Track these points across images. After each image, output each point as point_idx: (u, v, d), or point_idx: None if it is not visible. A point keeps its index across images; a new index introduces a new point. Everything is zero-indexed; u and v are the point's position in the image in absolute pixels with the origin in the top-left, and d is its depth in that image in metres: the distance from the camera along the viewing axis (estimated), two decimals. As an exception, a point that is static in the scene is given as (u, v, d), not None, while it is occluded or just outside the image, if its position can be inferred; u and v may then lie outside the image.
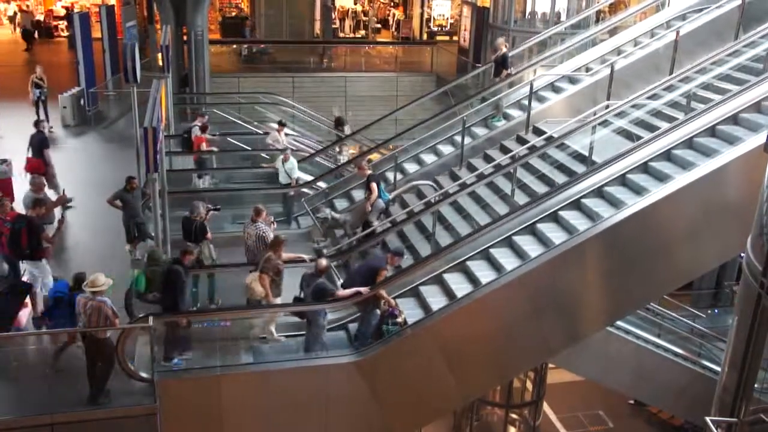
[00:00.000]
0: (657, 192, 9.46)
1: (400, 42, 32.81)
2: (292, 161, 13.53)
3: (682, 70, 11.48)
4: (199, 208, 10.47)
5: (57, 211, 12.38)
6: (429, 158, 14.22)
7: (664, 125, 10.79)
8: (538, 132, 12.90)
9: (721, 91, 11.04)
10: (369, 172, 12.41)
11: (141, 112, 10.93)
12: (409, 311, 9.64)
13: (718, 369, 11.80)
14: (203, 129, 15.04)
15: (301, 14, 30.89)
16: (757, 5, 12.48)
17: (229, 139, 16.40)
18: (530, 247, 9.82)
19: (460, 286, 9.83)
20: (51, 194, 12.72)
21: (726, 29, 12.70)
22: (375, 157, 15.31)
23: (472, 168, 12.92)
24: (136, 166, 12.11)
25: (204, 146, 14.87)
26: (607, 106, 11.67)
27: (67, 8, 33.80)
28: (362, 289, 9.13)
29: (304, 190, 13.83)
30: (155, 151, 9.26)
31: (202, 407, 8.78)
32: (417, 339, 9.24)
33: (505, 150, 13.00)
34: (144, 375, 8.40)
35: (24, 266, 9.66)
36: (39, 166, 13.21)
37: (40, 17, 33.51)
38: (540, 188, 11.07)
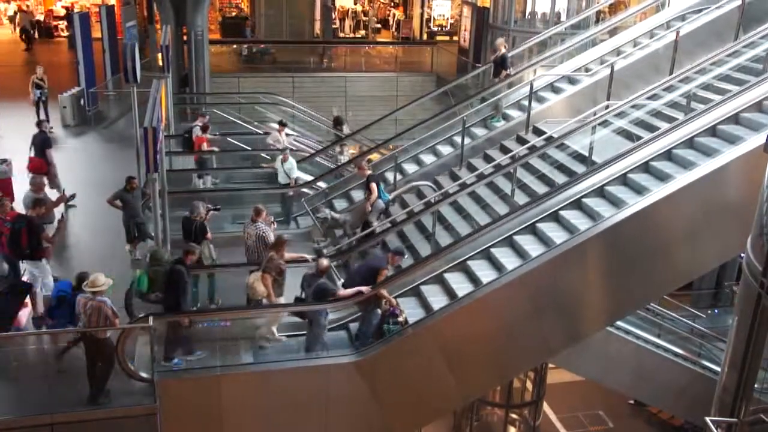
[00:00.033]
0: (657, 192, 9.46)
1: (400, 42, 32.82)
2: (291, 161, 13.52)
3: (682, 71, 11.48)
4: (199, 208, 10.47)
5: (57, 211, 12.39)
6: (429, 158, 14.22)
7: (664, 125, 10.79)
8: (538, 132, 12.90)
9: (721, 92, 11.05)
10: (369, 172, 12.41)
11: (141, 112, 10.93)
12: (410, 311, 9.64)
13: (718, 369, 11.79)
14: (204, 129, 15.04)
15: (301, 14, 30.90)
16: (757, 5, 12.48)
17: (229, 139, 16.40)
18: (531, 246, 9.82)
19: (460, 285, 9.83)
20: (53, 194, 12.74)
21: (726, 30, 12.70)
22: (375, 157, 15.32)
23: (472, 168, 12.92)
24: (136, 166, 12.12)
25: (205, 146, 14.87)
26: (607, 107, 11.68)
27: (67, 8, 33.79)
28: (364, 289, 9.14)
29: (304, 190, 13.84)
30: (155, 151, 9.26)
31: (202, 407, 8.78)
32: (417, 339, 9.24)
33: (505, 150, 13.00)
34: (144, 375, 8.40)
35: (24, 266, 9.66)
36: (41, 166, 13.23)
37: (41, 17, 33.49)
38: (540, 188, 11.07)
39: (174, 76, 17.98)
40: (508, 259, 9.85)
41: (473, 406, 15.13)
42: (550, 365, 14.81)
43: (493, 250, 10.17)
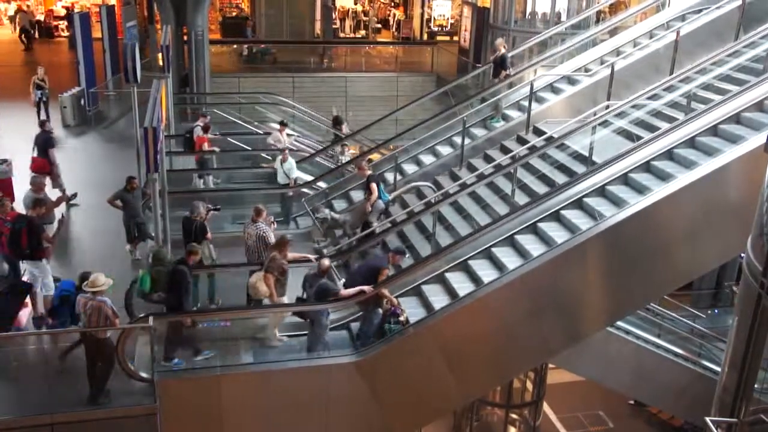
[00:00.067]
0: (657, 192, 9.46)
1: (400, 42, 32.80)
2: (291, 161, 13.52)
3: (682, 71, 11.49)
4: (199, 208, 10.47)
5: (58, 211, 12.39)
6: (429, 159, 14.22)
7: (664, 125, 10.79)
8: (538, 132, 12.90)
9: (721, 92, 11.05)
10: (369, 172, 12.41)
11: (141, 112, 10.94)
12: (411, 310, 9.64)
13: (718, 369, 11.78)
14: (205, 129, 15.03)
15: (301, 14, 30.90)
16: (757, 5, 12.48)
17: (229, 139, 16.40)
18: (531, 246, 9.81)
19: (461, 285, 9.83)
20: (54, 193, 12.74)
21: (726, 30, 12.70)
22: (375, 157, 15.32)
23: (472, 168, 12.92)
24: (136, 166, 12.13)
25: (206, 146, 14.87)
26: (608, 107, 11.68)
27: (67, 8, 33.79)
28: (365, 288, 9.14)
29: (304, 190, 13.84)
30: (155, 151, 9.26)
31: (202, 407, 8.78)
32: (418, 338, 9.24)
33: (505, 150, 13.00)
34: (144, 375, 8.40)
35: (24, 266, 9.66)
36: (44, 166, 13.26)
37: (41, 17, 33.49)
38: (540, 188, 11.07)
39: (174, 76, 17.98)
40: (508, 259, 9.85)
41: (473, 406, 15.12)
42: (550, 365, 14.80)
43: (493, 249, 10.17)
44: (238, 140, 16.57)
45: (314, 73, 25.74)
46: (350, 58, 28.69)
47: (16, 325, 9.03)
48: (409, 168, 14.23)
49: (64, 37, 31.50)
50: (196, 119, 16.04)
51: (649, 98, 11.50)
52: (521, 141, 13.01)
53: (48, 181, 13.13)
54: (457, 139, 13.60)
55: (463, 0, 28.44)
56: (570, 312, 9.76)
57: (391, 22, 36.80)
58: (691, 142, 10.21)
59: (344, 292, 9.23)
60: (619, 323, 12.87)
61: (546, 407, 16.06)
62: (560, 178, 10.95)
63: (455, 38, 30.95)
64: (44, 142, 13.58)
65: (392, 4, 38.66)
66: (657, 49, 13.61)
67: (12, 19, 33.15)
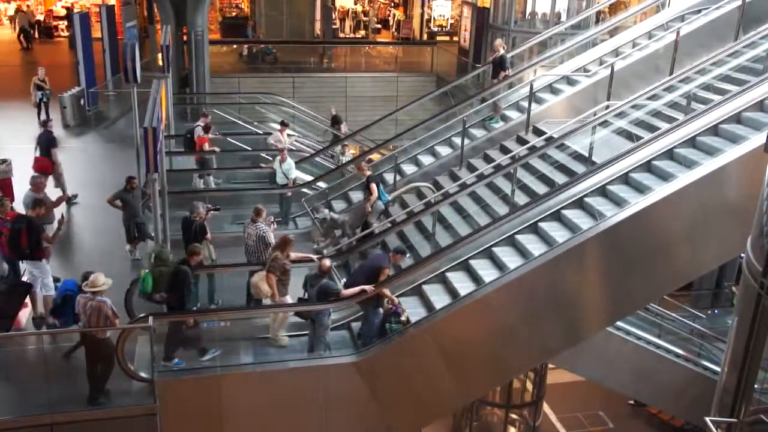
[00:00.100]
0: (657, 192, 9.45)
1: (400, 42, 32.80)
2: (290, 162, 13.50)
3: (682, 71, 11.48)
4: (199, 209, 10.47)
5: (57, 211, 12.38)
6: (429, 159, 14.21)
7: (664, 125, 10.79)
8: (538, 132, 12.90)
9: (721, 92, 11.04)
10: (368, 173, 12.42)
11: (141, 112, 10.93)
12: (411, 310, 9.64)
13: (718, 369, 11.80)
14: (206, 129, 15.02)
15: (301, 14, 30.93)
16: (757, 5, 12.48)
17: (229, 139, 16.41)
18: (531, 246, 9.79)
19: (462, 284, 9.83)
20: (56, 193, 12.74)
21: (726, 30, 12.70)
22: (376, 157, 15.33)
23: (472, 168, 12.92)
24: (136, 166, 12.13)
25: (206, 146, 14.87)
26: (607, 107, 11.68)
27: (67, 8, 33.78)
28: (367, 287, 9.15)
29: (304, 190, 13.84)
30: (155, 151, 9.26)
31: (202, 407, 8.78)
32: (418, 338, 9.24)
33: (505, 150, 13.00)
34: (144, 375, 8.40)
35: (24, 266, 9.66)
36: (47, 166, 13.26)
37: (41, 17, 33.48)
38: (540, 188, 11.07)
39: (174, 76, 17.99)
40: (508, 258, 9.84)
41: (473, 407, 15.13)
42: (550, 365, 14.81)
43: (494, 249, 10.16)
44: (237, 140, 16.57)
45: (314, 73, 25.76)
46: (350, 59, 28.71)
47: (16, 325, 9.03)
48: (409, 168, 14.23)
49: (64, 37, 31.50)
50: (195, 119, 16.04)
51: (649, 98, 11.50)
52: (521, 141, 13.01)
53: (50, 180, 13.17)
54: (457, 140, 13.60)
55: (463, 0, 28.45)
56: (570, 312, 9.75)
57: (391, 23, 36.81)
58: (691, 142, 10.20)
59: (345, 291, 9.24)
60: (620, 323, 12.87)
61: (546, 407, 16.06)
62: (560, 178, 10.94)
63: (455, 38, 30.96)
64: (47, 142, 13.60)
65: (392, 4, 38.66)
66: (657, 49, 13.61)
67: (12, 19, 33.14)
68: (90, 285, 8.13)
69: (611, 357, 13.19)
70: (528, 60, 16.49)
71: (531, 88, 13.22)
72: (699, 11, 14.02)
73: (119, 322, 8.32)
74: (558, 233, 9.77)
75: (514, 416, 15.47)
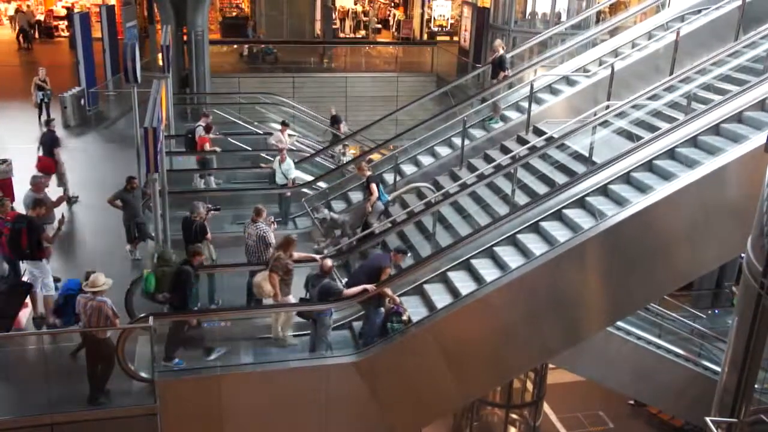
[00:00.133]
0: (657, 192, 9.45)
1: (400, 42, 32.82)
2: (289, 162, 13.50)
3: (682, 71, 11.48)
4: (199, 208, 10.47)
5: (57, 211, 12.38)
6: (429, 159, 14.21)
7: (664, 125, 10.79)
8: (538, 132, 12.90)
9: (721, 92, 11.04)
10: (368, 173, 12.42)
11: (141, 112, 10.94)
12: (413, 309, 9.65)
13: (718, 369, 11.81)
14: (207, 129, 15.02)
15: (301, 14, 30.94)
16: (757, 5, 12.48)
17: (229, 139, 16.41)
18: (532, 246, 9.80)
19: (463, 284, 9.83)
20: (57, 193, 12.75)
21: (726, 30, 12.70)
22: (376, 157, 15.33)
23: (472, 168, 12.92)
24: (136, 166, 12.13)
25: (207, 146, 14.87)
26: (608, 107, 11.68)
27: (67, 8, 33.79)
28: (368, 287, 9.15)
29: (304, 190, 13.84)
30: (155, 151, 9.27)
31: (202, 407, 8.78)
32: (418, 338, 9.24)
33: (505, 150, 13.00)
34: (144, 375, 8.40)
35: (24, 266, 9.66)
36: (50, 165, 13.30)
37: (41, 17, 33.49)
38: (540, 188, 11.07)
39: (174, 76, 17.99)
40: (510, 258, 9.84)
41: (473, 407, 15.13)
42: (550, 365, 14.81)
43: (495, 248, 10.16)
44: (238, 140, 16.57)
45: (314, 73, 25.77)
46: (350, 59, 28.72)
47: (16, 325, 9.03)
48: (409, 168, 14.23)
49: (64, 37, 31.50)
50: (196, 119, 16.03)
51: (649, 98, 11.50)
52: (521, 141, 13.01)
53: (53, 180, 13.22)
54: (457, 140, 13.60)
55: (463, 0, 28.45)
56: (570, 312, 9.75)
57: (391, 23, 36.81)
58: (692, 142, 10.20)
59: (347, 291, 9.24)
60: (620, 323, 12.87)
61: (546, 407, 16.06)
62: (560, 178, 10.94)
63: (455, 38, 30.96)
64: (50, 142, 13.62)
65: (392, 4, 38.66)
66: (657, 49, 13.61)
67: (12, 19, 33.14)
68: (90, 285, 8.13)
69: (611, 357, 13.20)
70: (528, 60, 16.49)
71: (531, 88, 13.22)
72: (699, 11, 14.02)
73: (119, 322, 8.32)
74: (558, 233, 9.77)
75: (514, 416, 15.47)
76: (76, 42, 20.25)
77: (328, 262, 9.52)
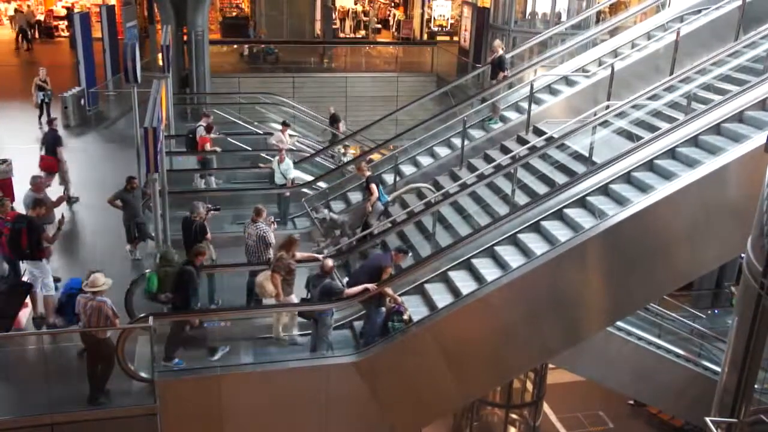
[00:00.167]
0: (657, 192, 9.45)
1: (400, 42, 32.84)
2: (288, 162, 13.49)
3: (682, 71, 11.48)
4: (199, 209, 10.47)
5: (57, 211, 12.39)
6: (429, 159, 14.21)
7: (664, 125, 10.79)
8: (538, 132, 12.90)
9: (721, 92, 11.04)
10: (368, 173, 12.42)
11: (141, 112, 10.93)
12: (413, 309, 9.65)
13: (718, 369, 11.80)
14: (208, 129, 15.02)
15: (301, 14, 30.95)
16: (757, 5, 12.48)
17: (229, 139, 16.41)
18: (533, 245, 9.80)
19: (464, 283, 9.84)
20: (57, 193, 12.76)
21: (726, 30, 12.70)
22: (376, 157, 15.33)
23: (472, 168, 12.92)
24: (136, 166, 12.13)
25: (208, 146, 14.87)
26: (608, 107, 11.68)
27: (67, 8, 33.79)
28: (370, 286, 9.16)
29: (304, 190, 13.83)
30: (155, 151, 9.27)
31: (202, 407, 8.78)
32: (419, 338, 9.24)
33: (505, 150, 13.00)
34: (144, 375, 8.40)
35: (24, 266, 9.66)
36: (53, 164, 13.33)
37: (41, 17, 33.49)
38: (540, 188, 11.07)
39: (174, 76, 17.99)
40: (510, 257, 9.84)
41: (473, 407, 15.13)
42: (550, 365, 14.81)
43: (495, 248, 10.16)
44: (238, 140, 16.57)
45: (314, 73, 25.79)
46: (350, 59, 28.73)
47: (16, 326, 9.02)
48: (410, 168, 14.22)
49: (64, 37, 31.49)
50: (196, 119, 16.03)
51: (649, 98, 11.50)
52: (521, 141, 13.01)
53: (56, 179, 13.24)
54: (456, 140, 13.60)
55: (463, 0, 28.45)
56: (570, 312, 9.75)
57: (391, 23, 36.82)
58: (693, 141, 10.20)
59: (348, 290, 9.25)
60: (620, 323, 12.87)
61: (546, 407, 16.06)
62: (560, 178, 10.94)
63: (455, 38, 30.96)
64: (53, 141, 13.65)
65: (392, 4, 38.67)
66: (657, 49, 13.61)
67: (12, 19, 33.13)
68: (90, 285, 8.13)
69: (611, 357, 13.19)
70: (528, 60, 16.49)
71: (531, 88, 13.22)
72: (699, 11, 14.02)
73: (119, 322, 8.32)
74: (559, 232, 9.78)
75: (514, 416, 15.47)
76: (76, 42, 20.25)
77: (329, 262, 9.53)
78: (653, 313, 14.17)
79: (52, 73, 18.73)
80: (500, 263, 9.92)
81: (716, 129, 10.17)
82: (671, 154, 10.19)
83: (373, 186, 11.92)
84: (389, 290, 9.39)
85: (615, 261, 9.59)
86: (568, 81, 14.37)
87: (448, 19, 35.29)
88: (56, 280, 9.84)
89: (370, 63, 27.87)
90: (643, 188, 9.76)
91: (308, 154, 15.43)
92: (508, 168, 11.54)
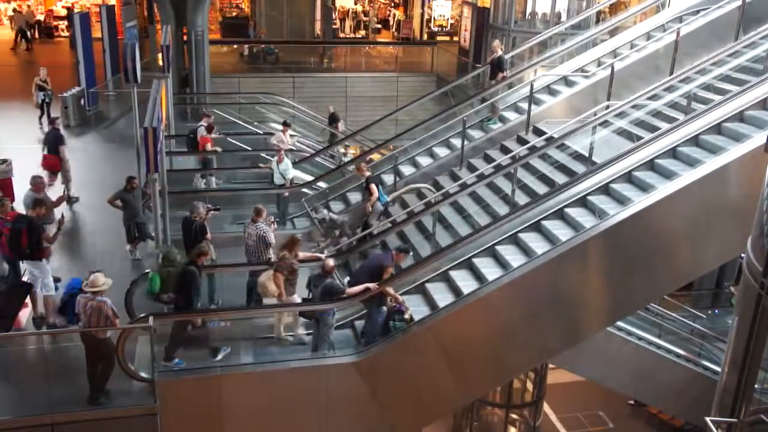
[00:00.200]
0: (657, 192, 9.45)
1: (400, 42, 32.83)
2: (287, 162, 13.49)
3: (682, 71, 11.49)
4: (199, 208, 10.47)
5: (57, 211, 12.39)
6: (429, 159, 14.21)
7: (664, 125, 10.79)
8: (538, 132, 12.90)
9: (721, 92, 11.04)
10: (368, 173, 12.42)
11: (141, 112, 10.93)
12: (414, 308, 9.65)
13: (718, 369, 11.80)
14: (209, 129, 15.02)
15: (301, 14, 30.95)
16: (757, 5, 12.48)
17: (229, 139, 16.42)
18: (534, 244, 9.81)
19: (465, 283, 9.84)
20: (58, 193, 12.76)
21: (726, 30, 12.70)
22: (376, 157, 15.33)
23: (472, 168, 12.92)
24: (136, 166, 12.13)
25: (209, 146, 14.87)
26: (608, 107, 11.68)
27: (67, 8, 33.78)
28: (371, 285, 9.17)
29: (304, 190, 13.84)
30: (155, 151, 9.27)
31: (202, 407, 8.78)
32: (419, 337, 9.24)
33: (505, 150, 13.00)
34: (144, 375, 8.40)
35: (24, 266, 9.66)
36: (55, 163, 13.33)
37: (41, 17, 33.48)
38: (540, 188, 11.07)
39: (174, 76, 17.99)
40: (511, 257, 9.84)
41: (473, 406, 15.13)
42: (550, 365, 14.81)
43: (496, 248, 10.16)
44: (238, 140, 16.58)
45: (314, 73, 25.78)
46: (350, 59, 28.73)
47: (16, 326, 9.02)
48: (409, 168, 14.22)
49: (65, 37, 31.48)
50: (196, 119, 16.03)
51: (649, 98, 11.50)
52: (521, 141, 13.01)
53: (58, 178, 13.25)
54: (456, 140, 13.59)
55: (463, 0, 28.45)
56: (570, 311, 9.75)
57: (391, 23, 36.82)
58: (694, 141, 10.20)
59: (350, 290, 9.26)
60: (620, 323, 12.86)
61: (546, 407, 16.06)
62: (560, 178, 10.95)
63: (455, 38, 30.96)
64: (55, 140, 13.65)
65: (392, 4, 38.67)
66: (657, 49, 13.62)
67: (12, 19, 33.11)
68: (90, 285, 8.12)
69: (611, 357, 13.19)
70: (528, 60, 16.49)
71: (531, 88, 13.22)
72: (699, 11, 14.02)
73: (119, 322, 8.32)
74: (560, 231, 9.78)
75: (514, 416, 15.47)
76: (76, 42, 20.24)
77: (331, 261, 9.54)
78: (653, 313, 14.16)
79: (51, 73, 18.72)
80: (501, 262, 9.92)
81: (717, 128, 10.17)
82: (672, 153, 10.19)
83: (373, 186, 11.93)
84: (390, 290, 9.40)
85: (615, 261, 9.59)
86: (567, 81, 14.38)
87: (448, 19, 35.30)
88: (56, 280, 9.83)
89: (370, 63, 27.87)
90: (643, 187, 9.76)
91: (308, 154, 15.43)
92: (508, 168, 11.54)
